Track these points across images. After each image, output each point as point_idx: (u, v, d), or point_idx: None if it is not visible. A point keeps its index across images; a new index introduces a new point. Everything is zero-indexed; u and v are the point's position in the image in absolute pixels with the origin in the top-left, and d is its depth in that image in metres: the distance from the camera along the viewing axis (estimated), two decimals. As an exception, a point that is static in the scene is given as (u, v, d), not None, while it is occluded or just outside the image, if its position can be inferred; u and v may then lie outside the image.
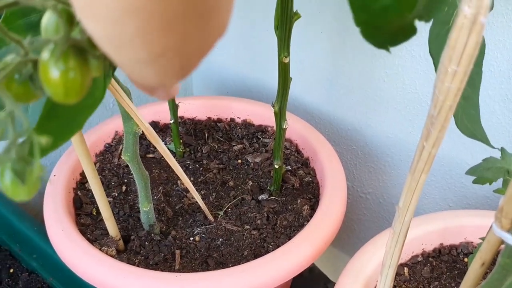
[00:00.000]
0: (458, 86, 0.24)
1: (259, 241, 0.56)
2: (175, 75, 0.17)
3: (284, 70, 0.48)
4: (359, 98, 0.70)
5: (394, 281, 0.52)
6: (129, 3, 0.13)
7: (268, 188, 0.63)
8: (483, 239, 0.38)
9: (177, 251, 0.55)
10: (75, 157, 0.62)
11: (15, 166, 0.16)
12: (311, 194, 0.62)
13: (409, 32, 0.28)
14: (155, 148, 0.69)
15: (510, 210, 0.25)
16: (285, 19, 0.44)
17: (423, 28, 0.37)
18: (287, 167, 0.66)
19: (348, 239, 0.87)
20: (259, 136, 0.72)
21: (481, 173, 0.40)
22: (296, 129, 0.69)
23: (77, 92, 0.15)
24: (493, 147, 0.50)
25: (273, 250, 0.51)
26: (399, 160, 0.71)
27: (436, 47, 0.36)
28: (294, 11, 0.44)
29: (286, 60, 0.47)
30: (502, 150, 0.41)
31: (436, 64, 0.36)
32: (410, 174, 0.30)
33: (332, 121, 0.76)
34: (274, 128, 0.71)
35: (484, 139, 0.48)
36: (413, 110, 0.65)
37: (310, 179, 0.64)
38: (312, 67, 0.73)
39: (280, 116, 0.54)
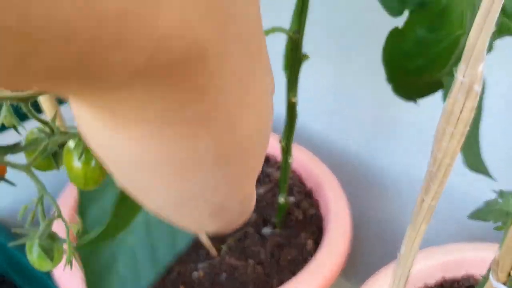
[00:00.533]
0: (455, 146, 0.25)
1: (263, 276, 0.56)
2: (221, 223, 0.15)
3: (292, 109, 0.49)
4: (362, 127, 0.71)
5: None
6: (140, 163, 0.12)
7: (272, 220, 0.64)
8: (484, 277, 0.39)
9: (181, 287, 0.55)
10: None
11: (42, 242, 0.17)
12: (315, 226, 0.63)
13: (437, 87, 0.30)
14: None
15: (506, 264, 0.26)
16: (294, 61, 0.45)
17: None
18: (290, 198, 0.66)
19: (352, 268, 0.87)
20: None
21: (483, 216, 0.41)
22: (299, 158, 0.70)
23: (95, 182, 0.16)
24: (495, 180, 0.51)
25: (277, 286, 0.52)
26: (402, 188, 0.72)
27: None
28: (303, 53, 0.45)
29: (294, 100, 0.48)
30: (501, 192, 0.42)
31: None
32: (411, 225, 0.31)
33: (335, 149, 0.77)
34: (277, 157, 0.72)
35: (486, 173, 0.50)
36: (417, 139, 0.66)
37: (314, 211, 0.65)
38: (315, 96, 0.74)
39: (286, 151, 0.55)
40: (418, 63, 0.28)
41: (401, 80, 0.29)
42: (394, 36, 0.28)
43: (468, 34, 0.27)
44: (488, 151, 0.60)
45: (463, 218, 0.67)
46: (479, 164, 0.45)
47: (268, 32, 0.38)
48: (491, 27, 0.21)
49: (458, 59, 0.28)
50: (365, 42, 0.61)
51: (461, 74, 0.23)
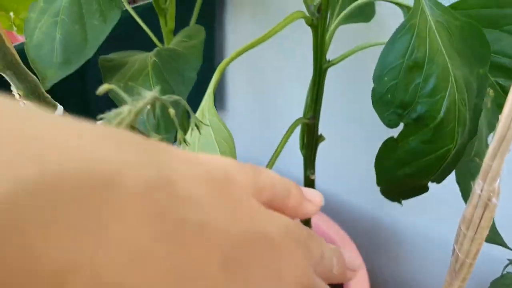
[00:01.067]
0: (477, 248, 0.27)
1: None
2: None
3: (310, 186, 0.51)
4: (376, 190, 0.73)
5: None
6: None
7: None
8: None
9: None
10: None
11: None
12: (334, 292, 0.64)
13: (423, 191, 0.32)
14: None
15: None
16: (310, 141, 0.47)
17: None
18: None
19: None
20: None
21: (501, 289, 0.42)
22: (315, 222, 0.71)
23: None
24: (510, 249, 0.52)
25: None
26: (418, 248, 0.73)
27: (462, 174, 0.39)
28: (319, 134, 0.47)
29: (313, 177, 0.50)
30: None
31: (462, 191, 0.39)
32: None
33: (350, 210, 0.78)
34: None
35: (503, 243, 0.51)
36: (431, 200, 0.67)
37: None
38: (327, 157, 0.76)
39: (305, 223, 0.56)
40: (407, 171, 0.30)
41: (389, 184, 0.31)
42: (388, 144, 0.30)
43: (457, 147, 0.29)
44: (502, 219, 0.61)
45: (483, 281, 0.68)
46: (494, 234, 0.47)
47: (295, 125, 0.40)
48: (506, 150, 0.23)
49: (445, 168, 0.30)
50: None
51: (479, 189, 0.25)
